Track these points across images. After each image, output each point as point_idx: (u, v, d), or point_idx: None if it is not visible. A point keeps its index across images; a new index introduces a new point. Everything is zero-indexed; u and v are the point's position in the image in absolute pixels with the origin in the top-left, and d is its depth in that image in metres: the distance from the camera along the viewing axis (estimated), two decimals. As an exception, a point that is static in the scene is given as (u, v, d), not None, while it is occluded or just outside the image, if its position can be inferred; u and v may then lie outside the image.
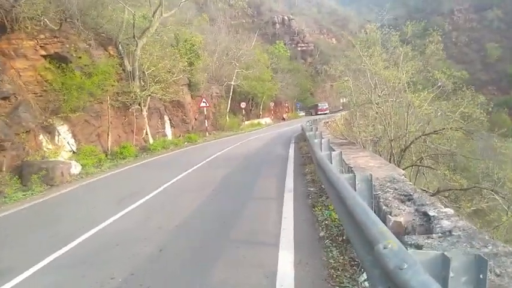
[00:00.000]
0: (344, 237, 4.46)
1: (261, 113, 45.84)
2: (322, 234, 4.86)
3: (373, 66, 12.60)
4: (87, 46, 15.96)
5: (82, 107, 14.39)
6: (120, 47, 18.65)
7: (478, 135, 12.29)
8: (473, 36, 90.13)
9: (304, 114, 59.49)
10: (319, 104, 58.16)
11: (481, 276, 1.81)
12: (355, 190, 4.00)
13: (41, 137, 12.65)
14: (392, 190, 4.82)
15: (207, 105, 27.63)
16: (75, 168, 11.89)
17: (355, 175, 4.20)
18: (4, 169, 10.36)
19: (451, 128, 11.05)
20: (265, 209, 6.43)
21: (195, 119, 27.70)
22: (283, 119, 52.61)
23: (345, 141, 11.83)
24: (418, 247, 3.01)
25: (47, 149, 12.62)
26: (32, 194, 9.59)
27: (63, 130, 13.84)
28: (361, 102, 14.26)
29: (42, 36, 13.80)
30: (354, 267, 3.79)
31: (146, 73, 19.10)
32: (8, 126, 11.22)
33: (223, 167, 11.66)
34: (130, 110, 18.17)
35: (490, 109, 12.94)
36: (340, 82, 18.23)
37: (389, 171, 6.14)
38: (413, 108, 11.74)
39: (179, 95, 23.15)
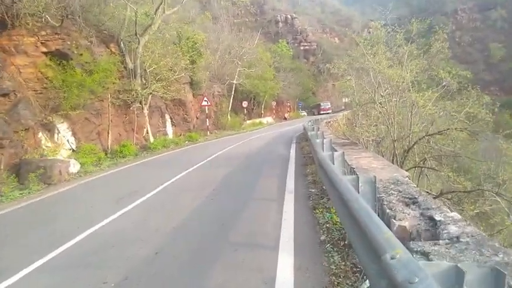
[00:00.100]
0: (346, 242, 4.31)
1: (262, 112, 45.71)
2: (323, 238, 4.71)
3: (377, 65, 12.41)
4: (89, 43, 15.84)
5: (82, 105, 14.28)
6: (122, 45, 18.53)
7: (483, 136, 12.08)
8: (477, 36, 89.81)
9: (306, 113, 59.32)
10: (321, 104, 58.05)
11: (497, 290, 1.66)
12: (358, 192, 3.85)
13: (40, 134, 12.55)
14: (396, 193, 4.66)
15: (209, 104, 27.50)
16: (74, 166, 11.77)
17: (358, 177, 4.04)
18: (2, 167, 10.26)
19: (455, 129, 10.85)
20: (265, 210, 6.29)
21: (197, 118, 27.58)
22: (285, 118, 52.49)
23: (347, 141, 11.66)
24: (425, 254, 2.86)
25: (46, 147, 12.52)
26: (29, 192, 9.46)
27: (63, 128, 13.73)
28: (364, 102, 14.08)
29: (43, 32, 13.68)
30: (356, 275, 3.64)
31: (148, 71, 18.97)
32: (7, 124, 11.12)
33: (224, 166, 11.53)
34: (131, 108, 18.04)
35: (496, 109, 12.74)
36: (342, 81, 18.06)
37: (392, 172, 5.97)
38: (417, 108, 11.56)
39: (181, 94, 23.02)
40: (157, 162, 14.57)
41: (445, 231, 3.33)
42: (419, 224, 3.68)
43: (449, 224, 3.46)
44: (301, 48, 77.80)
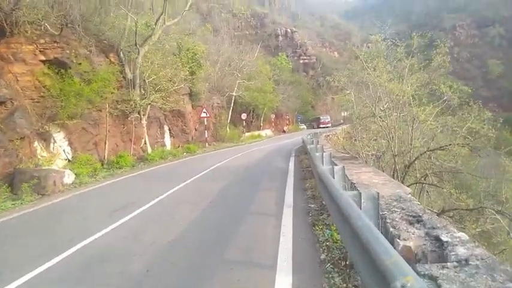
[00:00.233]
0: (347, 262, 4.10)
1: (261, 124, 45.68)
2: (323, 257, 4.51)
3: (377, 78, 12.34)
4: (88, 52, 15.76)
5: (80, 114, 14.11)
6: (122, 55, 18.48)
7: (485, 152, 11.93)
8: (475, 52, 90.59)
9: (305, 127, 59.35)
10: (321, 117, 58.20)
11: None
12: (360, 209, 3.68)
13: (35, 144, 12.35)
14: (399, 210, 4.47)
15: (208, 115, 27.40)
16: (69, 177, 11.54)
17: (360, 193, 3.87)
18: (-5, 176, 10.04)
19: (457, 144, 10.70)
20: (263, 226, 6.09)
21: (195, 129, 27.45)
22: (284, 131, 52.48)
23: (347, 155, 11.51)
24: (433, 278, 2.67)
25: (42, 156, 12.30)
26: (22, 203, 9.21)
27: (60, 137, 13.54)
28: (364, 116, 13.98)
29: (42, 40, 13.57)
30: (359, 298, 3.44)
31: (147, 81, 18.89)
32: (3, 132, 10.94)
33: (222, 178, 11.35)
34: (129, 118, 17.87)
35: (499, 125, 12.61)
36: (342, 95, 18.01)
37: (395, 188, 5.80)
38: (418, 123, 11.44)
39: (180, 105, 22.92)
40: (154, 173, 14.35)
41: (453, 253, 3.14)
42: (424, 245, 3.49)
43: (457, 245, 3.27)
44: (301, 61, 78.44)
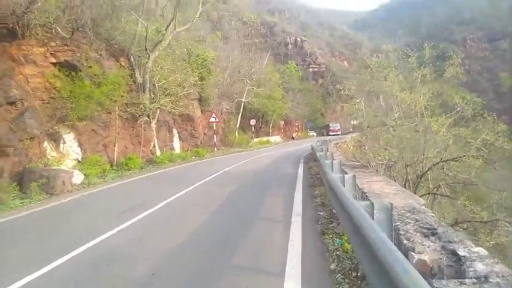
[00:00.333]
0: (358, 274, 3.96)
1: (270, 130, 45.66)
2: (332, 266, 4.37)
3: (389, 88, 12.21)
4: (99, 56, 15.91)
5: (90, 116, 14.20)
6: (132, 59, 18.64)
7: (500, 164, 11.66)
8: (486, 65, 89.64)
9: (315, 134, 59.19)
10: (330, 125, 57.92)
11: None
12: (373, 220, 3.55)
13: (45, 144, 12.42)
14: (413, 222, 4.32)
15: (217, 120, 27.44)
16: (77, 177, 11.55)
17: (372, 203, 3.74)
18: (5, 175, 10.07)
19: (472, 156, 10.47)
20: (271, 233, 5.96)
21: (204, 134, 27.49)
22: (293, 138, 52.39)
23: (357, 163, 11.35)
24: (450, 295, 2.54)
25: (51, 156, 12.36)
26: (30, 202, 9.23)
27: (69, 138, 13.60)
28: (375, 125, 13.82)
29: (53, 43, 13.73)
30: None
31: (157, 85, 18.98)
32: (13, 132, 11.01)
33: (230, 183, 11.28)
34: (138, 121, 17.95)
35: (513, 137, 12.34)
36: (351, 104, 17.89)
37: (407, 199, 5.64)
38: (431, 133, 11.24)
39: (189, 109, 23.02)
40: (162, 176, 14.35)
41: (471, 269, 2.99)
42: (440, 259, 3.34)
43: (475, 260, 3.12)
44: (310, 70, 78.37)
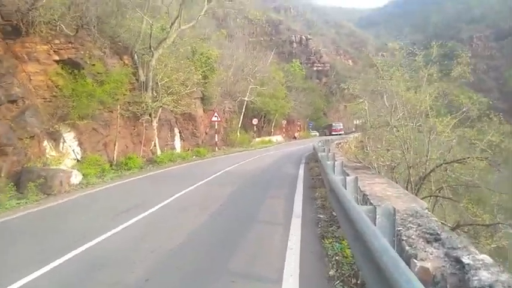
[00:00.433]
0: (359, 282, 3.82)
1: (272, 130, 45.50)
2: (332, 272, 4.22)
3: (394, 87, 12.00)
4: (102, 54, 15.80)
5: (91, 115, 14.10)
6: (136, 57, 18.54)
7: (504, 166, 11.42)
8: (492, 64, 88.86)
9: (318, 134, 58.95)
10: (333, 124, 57.65)
11: None
12: (375, 225, 3.40)
13: (45, 143, 12.33)
14: (415, 226, 4.17)
15: (219, 119, 27.32)
16: (76, 177, 11.46)
17: (375, 207, 3.59)
18: (2, 174, 9.98)
19: (476, 158, 10.25)
20: (270, 236, 5.84)
21: (206, 133, 27.39)
22: (295, 137, 52.19)
23: (359, 164, 11.19)
24: (454, 306, 2.40)
25: (50, 155, 12.27)
26: (27, 202, 9.11)
27: (70, 137, 13.51)
28: (378, 125, 13.62)
29: (56, 41, 13.61)
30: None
31: (159, 84, 18.88)
32: (12, 131, 10.92)
33: (230, 184, 11.18)
34: (140, 120, 17.84)
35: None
36: (355, 103, 17.70)
37: (410, 202, 5.48)
38: (436, 134, 11.04)
39: (191, 108, 22.89)
40: (162, 176, 14.26)
41: (476, 278, 2.83)
42: (444, 266, 3.19)
43: (479, 268, 2.96)
44: (314, 68, 78.07)
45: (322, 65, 79.94)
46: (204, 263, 4.74)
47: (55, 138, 12.81)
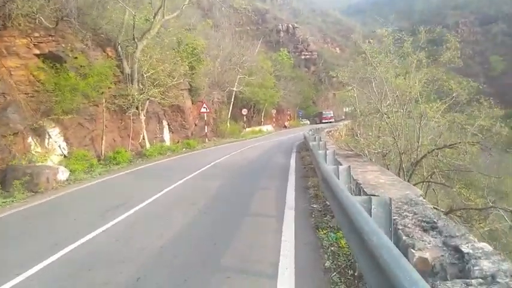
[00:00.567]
0: (356, 274, 3.74)
1: (262, 120, 45.41)
2: (327, 264, 4.14)
3: (383, 73, 11.92)
4: (84, 46, 15.36)
5: (76, 109, 13.72)
6: (119, 49, 18.07)
7: (495, 150, 11.53)
8: (477, 49, 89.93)
9: (309, 122, 59.13)
10: (323, 112, 57.93)
11: None
12: (370, 216, 3.31)
13: (29, 139, 11.97)
14: (411, 215, 4.09)
15: (208, 110, 27.05)
16: (63, 174, 11.17)
17: (370, 198, 3.50)
18: (-14, 173, 9.68)
19: (467, 142, 10.28)
20: (263, 229, 5.74)
21: (195, 125, 27.09)
22: (285, 126, 52.27)
23: (350, 152, 11.14)
24: (454, 298, 2.32)
25: (36, 152, 11.93)
26: (13, 201, 8.83)
27: (55, 133, 13.16)
28: (368, 112, 13.59)
29: (36, 34, 13.18)
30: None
31: (145, 76, 18.46)
32: (-5, 128, 10.58)
33: (220, 176, 11.07)
34: (127, 113, 17.46)
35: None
36: (344, 91, 17.62)
37: (404, 190, 5.42)
38: (426, 120, 11.04)
39: (179, 100, 22.54)
40: (151, 170, 14.01)
41: (477, 268, 2.75)
42: (442, 256, 3.10)
43: (480, 257, 2.89)
44: (302, 57, 77.85)
45: (309, 53, 79.72)
46: (197, 260, 4.61)
47: (39, 134, 12.45)
